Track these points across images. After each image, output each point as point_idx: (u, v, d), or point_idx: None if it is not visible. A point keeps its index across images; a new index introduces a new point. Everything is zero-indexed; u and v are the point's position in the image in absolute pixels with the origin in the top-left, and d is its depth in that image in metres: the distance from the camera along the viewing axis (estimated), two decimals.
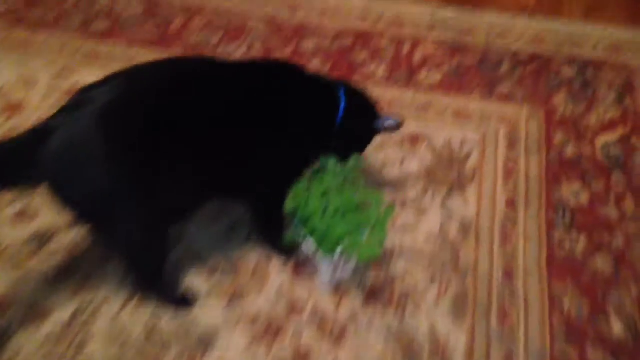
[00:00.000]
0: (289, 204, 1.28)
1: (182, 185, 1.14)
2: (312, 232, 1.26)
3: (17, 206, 1.49)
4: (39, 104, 1.70)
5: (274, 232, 1.38)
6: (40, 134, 1.05)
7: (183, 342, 1.28)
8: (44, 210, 1.48)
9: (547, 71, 1.90)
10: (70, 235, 1.43)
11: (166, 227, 1.22)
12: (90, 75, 1.72)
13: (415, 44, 1.96)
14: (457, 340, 1.30)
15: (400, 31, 2.00)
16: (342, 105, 1.30)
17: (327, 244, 1.25)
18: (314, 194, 1.27)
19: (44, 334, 1.28)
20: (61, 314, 1.31)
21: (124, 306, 1.33)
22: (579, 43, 2.00)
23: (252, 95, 1.18)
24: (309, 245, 1.29)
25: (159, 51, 1.87)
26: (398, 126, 1.37)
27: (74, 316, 1.31)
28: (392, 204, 1.34)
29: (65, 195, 1.08)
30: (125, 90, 1.08)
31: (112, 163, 1.04)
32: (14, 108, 1.70)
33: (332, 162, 1.31)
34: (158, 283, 1.30)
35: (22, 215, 1.47)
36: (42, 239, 1.43)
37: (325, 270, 1.32)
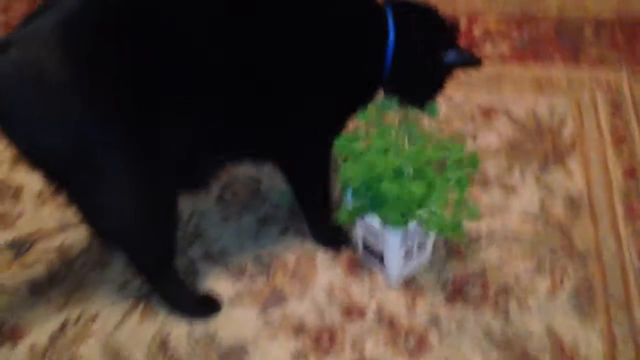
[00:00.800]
0: (341, 170, 0.98)
1: (186, 124, 0.86)
2: (375, 201, 0.95)
3: None
4: None
5: (319, 207, 1.07)
6: None
7: None
8: (26, 215, 1.22)
9: None
10: (56, 242, 1.16)
11: (170, 186, 0.92)
12: None
13: (472, 20, 1.71)
14: (590, 345, 0.94)
15: (453, 5, 1.76)
16: (392, 34, 1.00)
17: (398, 213, 0.94)
18: (373, 151, 0.97)
19: None
20: (39, 334, 1.01)
21: (122, 321, 1.03)
22: None
23: (268, 13, 0.91)
24: (370, 224, 0.98)
25: None
26: (476, 62, 1.06)
27: (55, 337, 1.01)
28: (475, 153, 1.02)
29: (20, 137, 0.81)
30: None
31: (80, 88, 0.77)
32: None
33: (393, 107, 1.02)
34: (168, 273, 1.00)
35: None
36: (20, 248, 1.16)
37: (394, 255, 1.00)
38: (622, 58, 1.53)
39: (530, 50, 1.59)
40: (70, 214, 1.17)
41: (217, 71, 0.85)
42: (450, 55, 1.03)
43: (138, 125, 0.81)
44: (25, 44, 0.77)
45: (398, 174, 0.95)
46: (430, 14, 1.05)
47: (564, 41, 1.61)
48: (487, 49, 1.61)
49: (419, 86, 1.06)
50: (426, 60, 1.03)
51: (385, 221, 0.96)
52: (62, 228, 1.18)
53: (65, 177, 0.85)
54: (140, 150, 0.83)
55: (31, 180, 1.28)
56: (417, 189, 0.93)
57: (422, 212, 0.92)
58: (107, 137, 0.80)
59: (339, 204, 1.07)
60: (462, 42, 1.62)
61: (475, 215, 0.94)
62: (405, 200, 0.92)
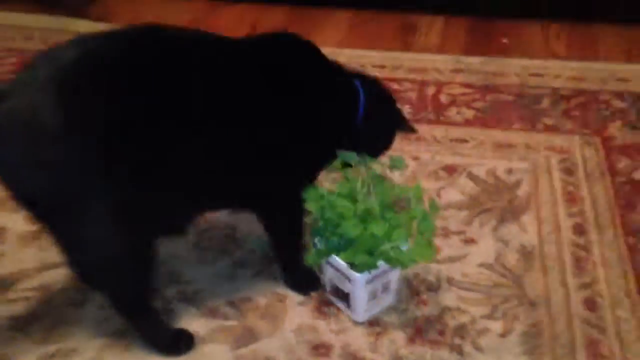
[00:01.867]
0: (309, 212, 1.12)
1: (163, 174, 0.98)
2: (342, 241, 1.09)
3: None
4: None
5: (291, 250, 1.21)
6: None
7: None
8: (8, 256, 1.32)
9: (596, 104, 1.82)
10: (37, 281, 1.26)
11: (150, 232, 1.04)
12: None
13: (440, 87, 1.91)
14: None
15: (423, 76, 1.96)
16: (362, 97, 1.18)
17: (363, 252, 1.07)
18: (339, 196, 1.12)
19: None
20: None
21: (98, 356, 1.12)
22: (625, 79, 1.94)
23: (256, 74, 1.07)
24: (337, 264, 1.11)
25: None
26: (412, 131, 1.31)
27: None
28: (434, 200, 1.17)
29: (12, 180, 0.92)
30: (96, 49, 0.94)
31: (70, 139, 0.88)
32: None
33: (353, 160, 1.18)
34: (145, 312, 1.10)
35: None
36: (1, 286, 1.25)
37: (360, 296, 1.12)
38: (575, 126, 1.73)
39: (493, 115, 1.78)
40: (51, 255, 1.30)
41: (201, 134, 0.99)
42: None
43: (121, 177, 0.93)
44: (21, 92, 0.89)
45: (362, 216, 1.10)
46: (381, 83, 1.29)
47: (523, 109, 1.81)
48: (453, 114, 1.79)
49: (379, 141, 1.25)
50: (386, 120, 1.24)
51: (351, 263, 1.10)
52: (43, 268, 1.29)
53: (50, 219, 0.97)
54: (121, 200, 0.94)
55: (14, 222, 1.39)
56: (379, 229, 1.07)
57: (387, 248, 1.06)
58: (90, 185, 0.92)
59: (308, 247, 1.20)
60: (431, 107, 1.83)
61: (426, 256, 1.08)
62: (368, 240, 1.06)
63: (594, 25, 2.26)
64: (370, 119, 1.19)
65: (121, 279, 1.04)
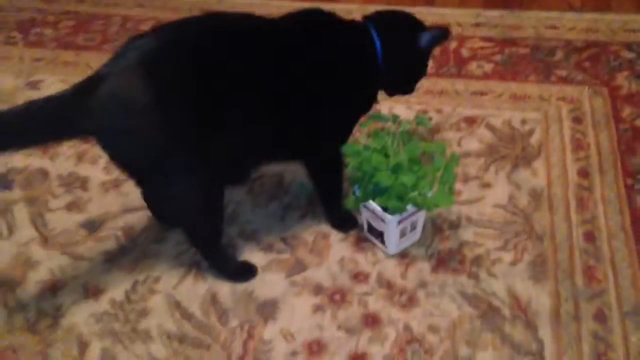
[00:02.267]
0: (349, 164, 1.32)
1: (232, 136, 1.18)
2: (377, 189, 1.29)
3: (67, 198, 1.57)
4: None
5: (332, 195, 1.42)
6: (86, 86, 1.10)
7: (243, 314, 1.29)
8: (94, 202, 1.55)
9: (605, 55, 1.95)
10: (121, 222, 1.49)
11: (220, 183, 1.26)
12: None
13: (461, 41, 2.06)
14: (539, 302, 1.28)
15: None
16: (378, 42, 1.30)
17: (395, 198, 1.28)
18: (372, 150, 1.31)
19: (98, 311, 1.31)
20: (115, 291, 1.35)
21: (179, 282, 1.36)
22: (634, 29, 2.06)
23: (292, 48, 1.23)
24: (373, 208, 1.31)
25: None
26: (445, 34, 1.36)
27: (128, 293, 1.34)
28: (454, 153, 1.37)
29: (114, 147, 1.14)
30: (171, 38, 1.14)
31: (158, 111, 1.08)
32: None
33: (385, 117, 1.36)
34: (216, 247, 1.34)
35: (72, 206, 1.55)
36: (92, 226, 1.49)
37: (392, 235, 1.33)
38: (587, 76, 1.88)
39: (510, 68, 1.93)
40: (130, 200, 1.53)
41: (263, 101, 1.19)
42: (424, 38, 1.33)
43: (200, 138, 1.14)
44: (116, 77, 1.10)
45: (394, 168, 1.29)
46: (398, 14, 1.38)
47: (537, 62, 1.95)
48: (473, 68, 1.95)
49: (408, 73, 1.39)
50: (407, 50, 1.35)
51: (384, 207, 1.30)
52: (125, 211, 1.52)
53: (144, 176, 1.21)
54: (200, 158, 1.16)
55: (95, 172, 1.62)
56: (408, 179, 1.27)
57: (415, 195, 1.27)
58: (176, 148, 1.13)
59: (347, 194, 1.40)
60: (453, 61, 1.97)
61: (448, 201, 1.28)
62: (399, 189, 1.26)
63: None
64: (391, 56, 1.31)
65: (199, 220, 1.27)
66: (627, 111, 1.74)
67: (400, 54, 1.34)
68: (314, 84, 1.25)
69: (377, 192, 1.31)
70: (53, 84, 1.95)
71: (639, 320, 1.24)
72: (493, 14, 2.17)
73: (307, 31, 1.26)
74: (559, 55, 1.97)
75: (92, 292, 1.35)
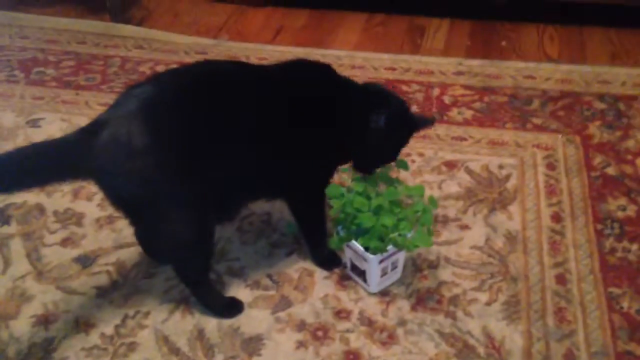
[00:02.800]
0: (332, 206, 1.38)
1: (222, 176, 1.24)
2: (359, 230, 1.35)
3: (63, 233, 1.61)
4: None
5: (316, 235, 1.47)
6: (89, 130, 1.18)
7: (229, 349, 1.32)
8: (88, 237, 1.59)
9: (579, 105, 2.04)
10: (114, 257, 1.53)
11: (211, 221, 1.31)
12: None
13: (444, 88, 2.14)
14: (513, 341, 1.33)
15: (429, 79, 2.19)
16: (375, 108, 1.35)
17: (376, 238, 1.33)
18: (355, 193, 1.37)
19: (89, 345, 1.34)
20: (106, 326, 1.38)
21: (168, 317, 1.39)
22: (607, 81, 2.15)
23: (286, 95, 1.31)
24: (355, 247, 1.36)
25: None
26: (432, 122, 1.47)
27: (118, 328, 1.37)
28: (432, 196, 1.43)
29: (112, 187, 1.20)
30: (168, 86, 1.23)
31: (155, 153, 1.15)
32: None
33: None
34: (205, 283, 1.38)
35: (67, 241, 1.59)
36: (85, 261, 1.53)
37: (374, 274, 1.38)
38: (561, 125, 1.96)
39: (489, 116, 2.01)
40: (123, 236, 1.57)
41: (249, 146, 1.26)
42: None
43: (191, 181, 1.20)
44: (117, 122, 1.17)
45: (375, 210, 1.35)
46: (394, 95, 1.43)
47: (515, 110, 2.04)
48: (454, 114, 2.03)
49: (367, 153, 1.41)
50: (360, 129, 1.36)
51: (366, 247, 1.35)
52: (118, 247, 1.56)
53: (138, 214, 1.26)
54: (192, 197, 1.22)
55: (90, 209, 1.66)
56: (389, 221, 1.32)
57: (395, 236, 1.32)
58: (169, 188, 1.19)
59: (332, 233, 1.45)
60: (435, 107, 2.05)
61: (426, 242, 1.33)
62: (380, 230, 1.32)
63: (585, 28, 2.47)
64: (346, 132, 1.36)
65: (188, 256, 1.32)
66: (598, 159, 1.81)
67: (355, 131, 1.37)
68: (293, 136, 1.31)
69: (360, 233, 1.36)
70: (53, 122, 2.00)
71: None
72: (474, 63, 2.26)
73: (294, 86, 1.33)
74: (535, 104, 2.06)
75: (83, 326, 1.38)
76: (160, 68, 2.27)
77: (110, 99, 2.17)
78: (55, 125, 1.99)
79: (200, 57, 2.33)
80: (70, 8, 2.71)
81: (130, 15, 2.66)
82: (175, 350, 1.33)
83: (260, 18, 2.65)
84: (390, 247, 1.35)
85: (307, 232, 1.49)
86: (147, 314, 1.40)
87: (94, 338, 1.35)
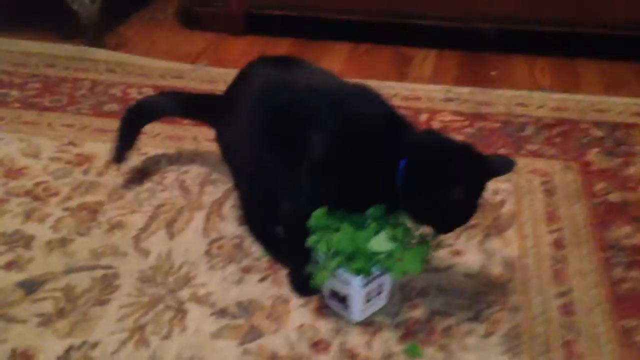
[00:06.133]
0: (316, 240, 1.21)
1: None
2: (340, 253, 1.19)
3: (8, 256, 1.44)
4: (40, 171, 1.73)
5: (300, 249, 1.28)
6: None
7: None
8: (36, 261, 1.42)
9: (575, 132, 1.94)
10: (63, 282, 1.36)
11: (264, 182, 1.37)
12: (96, 147, 1.81)
13: (432, 114, 2.04)
14: None
15: (417, 104, 2.09)
16: (403, 163, 1.15)
17: (359, 260, 1.18)
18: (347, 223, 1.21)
19: None
20: (46, 358, 1.20)
21: (119, 348, 1.22)
22: (603, 110, 2.06)
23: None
24: (338, 272, 1.21)
25: (169, 127, 1.93)
26: (511, 165, 1.27)
27: (61, 359, 1.19)
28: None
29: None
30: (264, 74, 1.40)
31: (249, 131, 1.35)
32: (14, 173, 1.72)
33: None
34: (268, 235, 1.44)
35: (12, 265, 1.41)
36: (30, 287, 1.36)
37: (357, 298, 1.22)
38: (557, 152, 1.85)
39: (481, 141, 1.90)
40: (75, 260, 1.41)
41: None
42: (457, 192, 1.11)
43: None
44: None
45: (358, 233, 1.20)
46: (449, 148, 1.19)
47: (508, 136, 1.93)
48: None
49: (424, 213, 1.18)
50: (426, 195, 1.14)
51: (353, 272, 1.19)
52: (68, 271, 1.39)
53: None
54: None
55: (41, 231, 1.50)
56: (375, 243, 1.17)
57: (382, 257, 1.17)
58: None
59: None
60: None
61: (415, 268, 1.18)
62: (363, 251, 1.16)
63: (577, 60, 2.41)
64: (411, 187, 1.15)
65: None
66: (599, 186, 1.69)
67: (420, 190, 1.15)
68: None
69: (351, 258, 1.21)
70: (11, 142, 1.86)
71: None
72: (463, 91, 2.17)
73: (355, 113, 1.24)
74: (530, 130, 1.96)
75: (20, 357, 1.20)
76: (132, 91, 2.15)
77: (75, 120, 2.08)
78: (13, 146, 1.85)
79: (176, 82, 2.23)
80: (44, 34, 2.61)
81: (104, 42, 2.57)
82: None
83: (241, 46, 2.56)
84: (374, 269, 1.20)
85: (291, 243, 1.34)
86: (95, 344, 1.23)
87: None
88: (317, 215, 1.20)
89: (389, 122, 1.23)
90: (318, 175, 1.22)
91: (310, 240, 1.20)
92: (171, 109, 1.67)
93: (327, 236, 1.18)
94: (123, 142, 1.63)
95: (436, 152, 1.17)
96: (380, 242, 1.17)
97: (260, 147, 1.34)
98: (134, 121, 1.64)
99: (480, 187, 1.18)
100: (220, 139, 1.49)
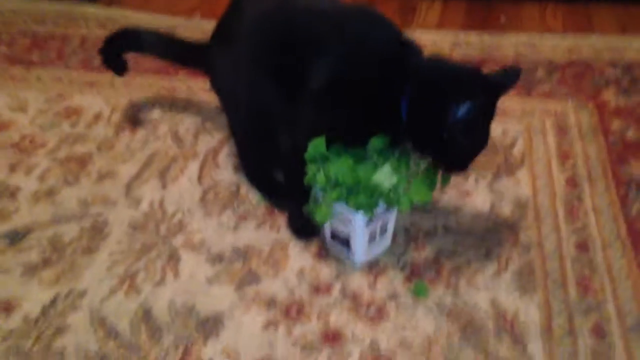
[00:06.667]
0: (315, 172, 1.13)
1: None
2: (340, 184, 1.11)
3: None
4: (28, 124, 1.66)
5: (300, 189, 1.20)
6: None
7: (180, 331, 1.09)
8: (21, 211, 1.36)
9: (590, 72, 1.84)
10: (49, 232, 1.30)
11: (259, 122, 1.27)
12: (85, 100, 1.74)
13: None
14: (528, 315, 1.10)
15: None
16: (407, 89, 1.08)
17: (361, 194, 1.10)
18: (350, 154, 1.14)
19: (7, 329, 1.11)
20: (31, 307, 1.15)
21: (108, 296, 1.16)
22: (619, 49, 1.96)
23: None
24: (339, 210, 1.14)
25: (162, 78, 1.86)
26: (517, 73, 1.17)
27: (45, 309, 1.14)
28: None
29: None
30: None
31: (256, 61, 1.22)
32: (1, 126, 1.66)
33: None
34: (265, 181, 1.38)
35: None
36: (15, 236, 1.30)
37: (360, 238, 1.16)
38: (571, 92, 1.76)
39: None
40: (62, 209, 1.35)
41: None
42: (461, 110, 1.02)
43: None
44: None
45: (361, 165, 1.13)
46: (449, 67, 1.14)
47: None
48: None
49: (435, 145, 1.09)
50: (432, 117, 1.06)
51: (355, 207, 1.12)
52: (55, 221, 1.33)
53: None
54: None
55: (28, 182, 1.44)
56: (379, 175, 1.10)
57: (385, 190, 1.09)
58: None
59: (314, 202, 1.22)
60: None
61: (423, 197, 1.11)
62: (366, 185, 1.09)
63: (590, 4, 2.30)
64: (417, 116, 1.08)
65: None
66: (615, 124, 1.61)
67: (426, 124, 1.08)
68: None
69: (351, 192, 1.13)
70: None
71: None
72: (471, 36, 2.08)
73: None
74: (541, 72, 1.86)
75: (2, 307, 1.15)
76: None
77: (64, 74, 2.02)
78: (0, 101, 1.78)
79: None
80: None
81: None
82: (114, 334, 1.09)
83: None
84: (380, 205, 1.13)
85: (290, 182, 1.28)
86: (83, 293, 1.17)
87: (15, 320, 1.12)
88: (316, 144, 1.12)
89: (395, 47, 1.15)
90: (320, 105, 1.14)
91: (309, 172, 1.13)
92: (160, 51, 1.59)
93: (326, 167, 1.11)
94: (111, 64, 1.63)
95: (440, 73, 1.10)
96: (385, 175, 1.10)
97: (259, 78, 1.22)
98: (116, 42, 1.61)
99: (488, 106, 1.10)
100: (214, 80, 1.38)
